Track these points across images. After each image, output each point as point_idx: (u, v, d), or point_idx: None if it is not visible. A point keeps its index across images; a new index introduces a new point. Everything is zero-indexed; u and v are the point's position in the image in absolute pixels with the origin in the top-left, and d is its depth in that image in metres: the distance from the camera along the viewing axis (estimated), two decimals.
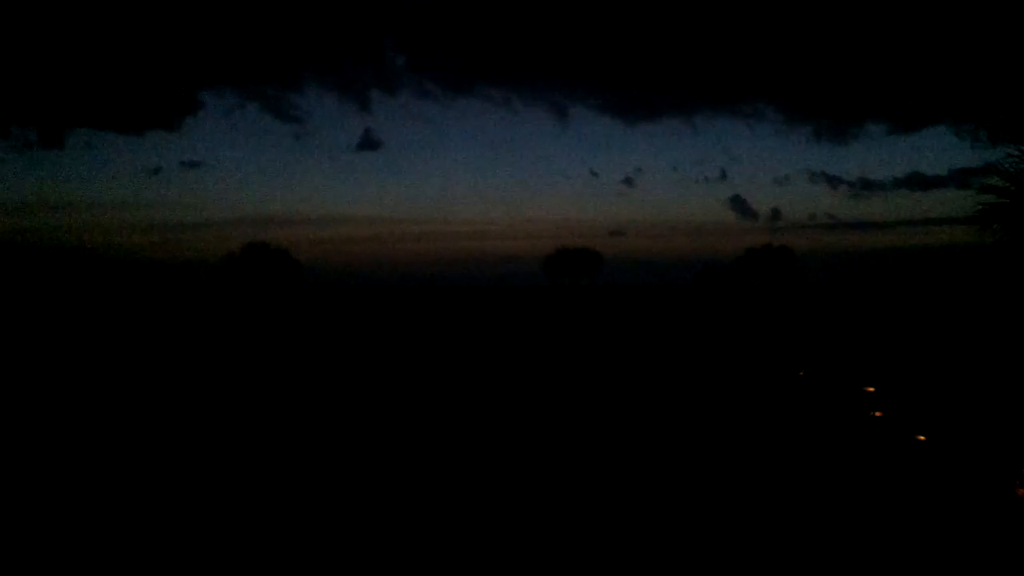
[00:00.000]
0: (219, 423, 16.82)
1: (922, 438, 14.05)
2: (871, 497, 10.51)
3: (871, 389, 20.16)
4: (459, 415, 17.57)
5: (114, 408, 18.69)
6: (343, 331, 49.04)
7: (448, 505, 10.53)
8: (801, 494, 10.73)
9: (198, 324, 57.47)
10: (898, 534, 9.07)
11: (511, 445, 14.18)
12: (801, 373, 24.06)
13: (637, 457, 13.08)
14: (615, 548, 8.81)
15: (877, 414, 16.72)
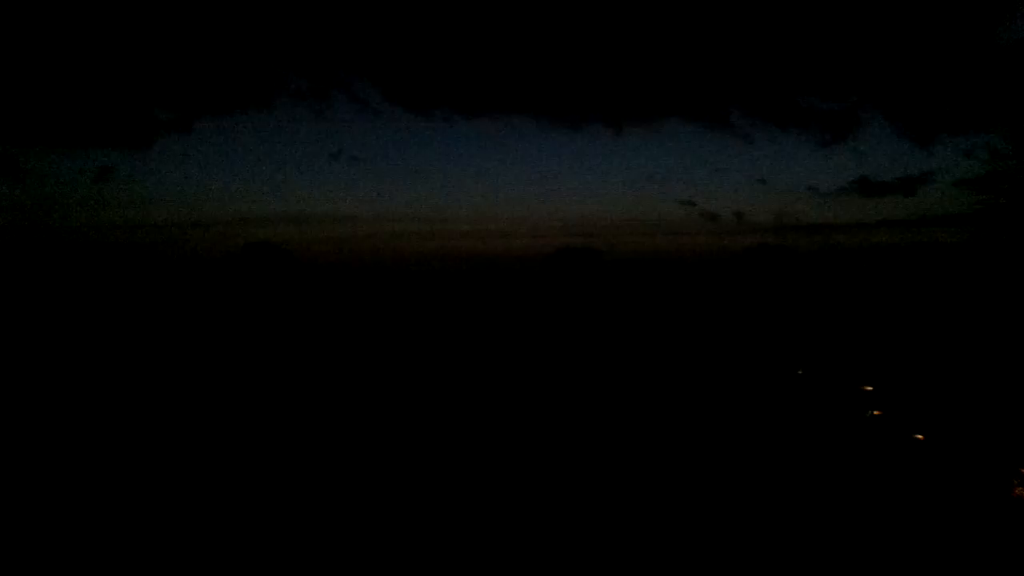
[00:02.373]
0: (224, 398, 17.07)
1: (920, 437, 14.41)
2: (869, 495, 10.84)
3: (869, 388, 20.48)
4: (453, 408, 17.82)
5: (125, 389, 18.94)
6: (342, 327, 49.05)
7: (446, 497, 10.81)
8: (800, 491, 11.05)
9: (203, 315, 57.38)
10: (897, 531, 9.40)
11: (515, 438, 14.44)
12: (800, 372, 24.39)
13: (640, 452, 13.38)
14: (615, 540, 9.11)
15: (876, 412, 17.08)
